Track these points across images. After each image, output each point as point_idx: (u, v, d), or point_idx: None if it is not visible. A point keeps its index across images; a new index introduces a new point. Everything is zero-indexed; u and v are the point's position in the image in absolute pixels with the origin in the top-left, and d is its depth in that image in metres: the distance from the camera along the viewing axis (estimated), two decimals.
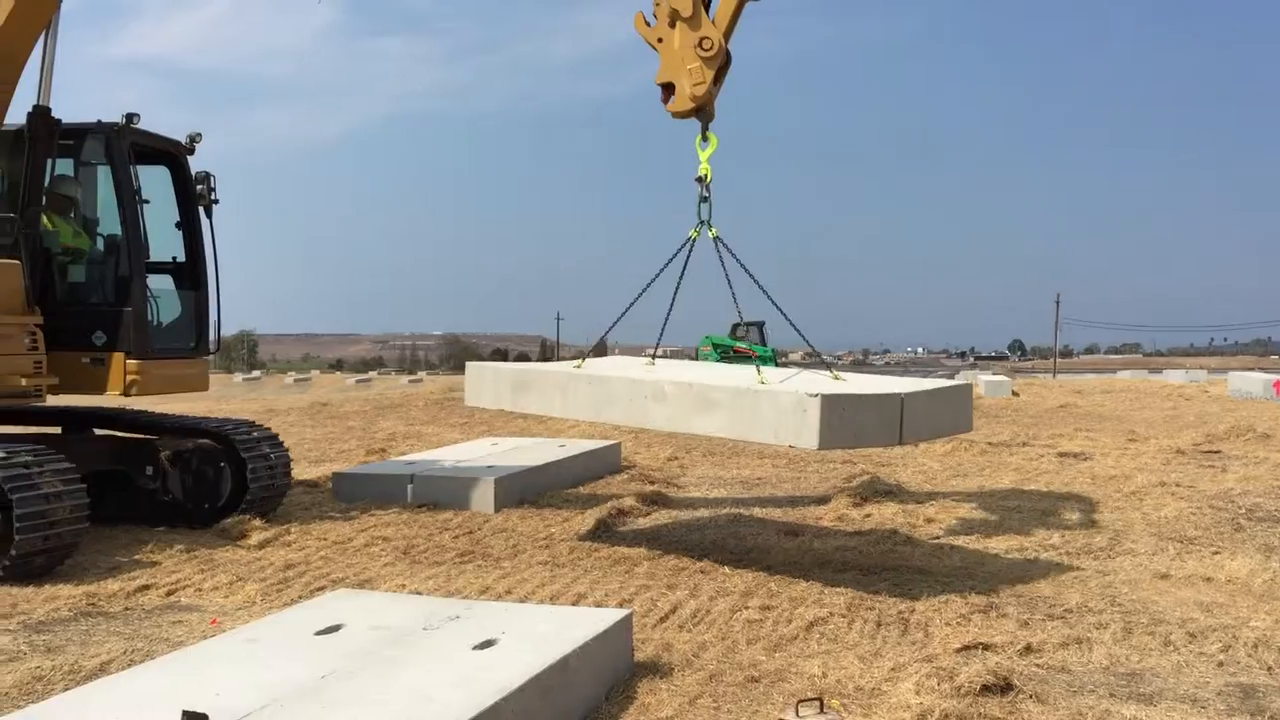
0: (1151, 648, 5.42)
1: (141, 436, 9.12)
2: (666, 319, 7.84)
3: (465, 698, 3.75)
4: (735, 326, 38.82)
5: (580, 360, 8.21)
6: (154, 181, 8.98)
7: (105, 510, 7.98)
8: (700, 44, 7.18)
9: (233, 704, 3.69)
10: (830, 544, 8.05)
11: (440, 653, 4.33)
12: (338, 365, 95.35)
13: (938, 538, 8.34)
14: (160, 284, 9.02)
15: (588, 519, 8.81)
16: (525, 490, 10.04)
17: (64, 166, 8.77)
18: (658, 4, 7.32)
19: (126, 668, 4.78)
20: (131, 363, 8.36)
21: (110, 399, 8.69)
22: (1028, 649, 5.34)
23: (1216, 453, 13.56)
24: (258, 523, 8.41)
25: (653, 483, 11.20)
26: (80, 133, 8.64)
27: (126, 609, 6.27)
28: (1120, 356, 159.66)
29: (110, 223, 8.78)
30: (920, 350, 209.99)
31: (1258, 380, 25.98)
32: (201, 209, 9.19)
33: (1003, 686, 4.64)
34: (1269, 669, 5.11)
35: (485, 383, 7.90)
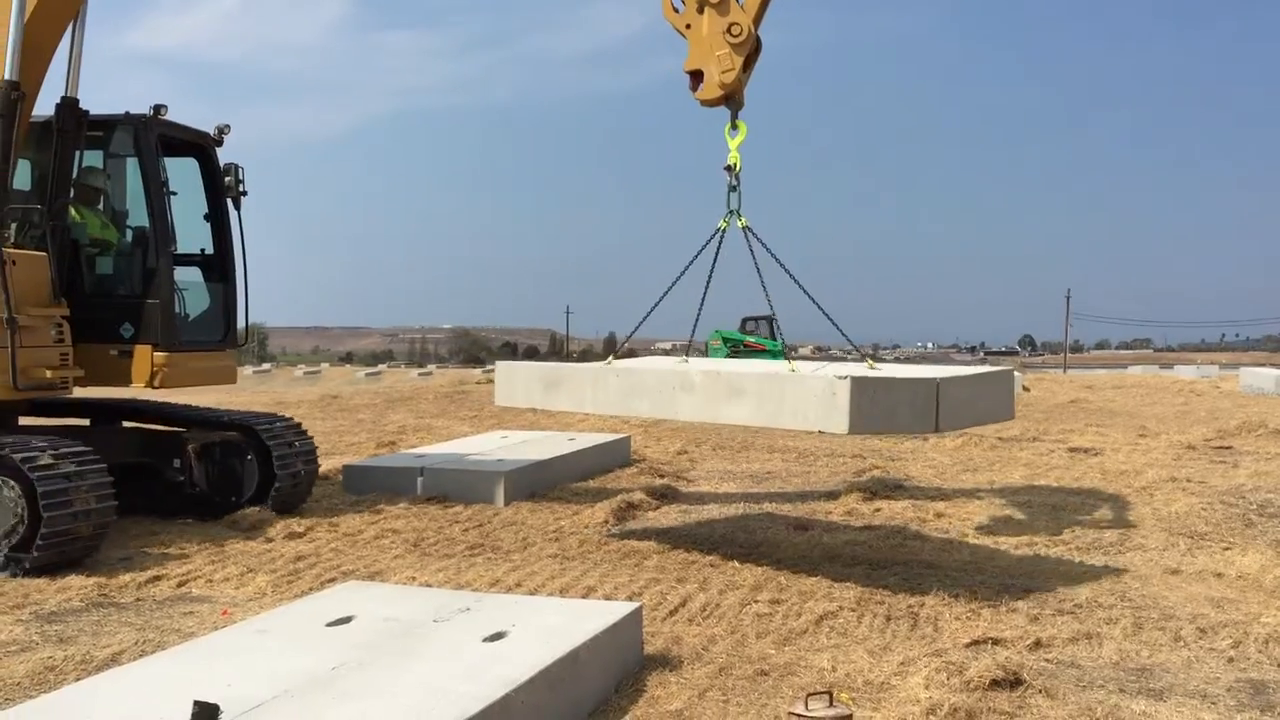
0: (1161, 643, 5.41)
1: (169, 429, 9.11)
2: (699, 313, 7.79)
3: (475, 690, 3.77)
4: (745, 321, 38.65)
5: (611, 358, 8.27)
6: (182, 173, 8.93)
7: (128, 503, 7.90)
8: (729, 30, 7.00)
9: (244, 694, 3.71)
10: (840, 538, 8.06)
11: (450, 645, 4.34)
12: (348, 358, 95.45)
13: (947, 532, 8.33)
14: (188, 276, 8.98)
15: (597, 512, 8.83)
16: (535, 483, 10.06)
17: (92, 158, 8.76)
18: None
19: (138, 658, 4.81)
20: (158, 355, 8.34)
21: (136, 391, 8.63)
22: (1037, 644, 5.33)
23: (1228, 448, 13.52)
24: (269, 515, 8.44)
25: (662, 476, 11.21)
26: (108, 124, 8.61)
27: (138, 600, 6.31)
28: (1131, 352, 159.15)
29: (138, 214, 8.75)
30: (930, 345, 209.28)
31: (1269, 376, 25.82)
32: (230, 201, 9.14)
33: (1012, 681, 4.63)
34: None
35: (517, 382, 7.90)
